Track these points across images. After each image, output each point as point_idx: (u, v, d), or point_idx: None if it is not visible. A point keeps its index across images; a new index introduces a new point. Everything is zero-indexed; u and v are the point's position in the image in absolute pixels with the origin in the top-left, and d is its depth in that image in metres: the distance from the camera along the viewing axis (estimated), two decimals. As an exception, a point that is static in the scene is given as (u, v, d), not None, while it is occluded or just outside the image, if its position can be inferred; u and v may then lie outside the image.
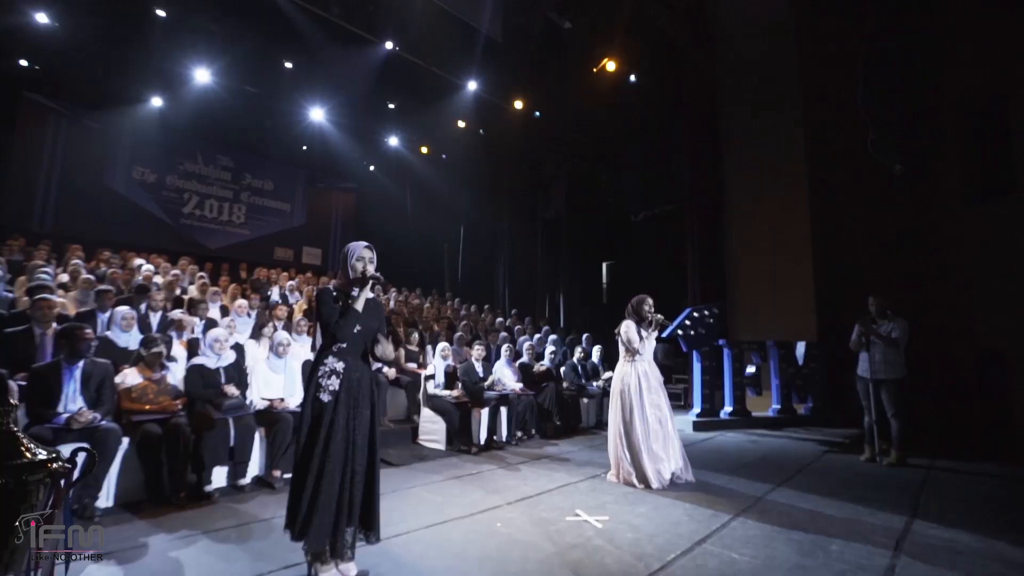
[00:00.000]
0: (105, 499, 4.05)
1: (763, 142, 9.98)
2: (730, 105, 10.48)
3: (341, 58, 12.55)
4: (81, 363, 4.18)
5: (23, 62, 11.92)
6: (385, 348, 3.32)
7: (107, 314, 6.09)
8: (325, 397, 2.99)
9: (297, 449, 2.99)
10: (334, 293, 3.19)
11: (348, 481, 2.95)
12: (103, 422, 4.06)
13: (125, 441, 4.23)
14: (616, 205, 15.05)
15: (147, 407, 4.47)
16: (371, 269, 3.23)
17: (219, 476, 4.67)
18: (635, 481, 5.00)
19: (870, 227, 8.82)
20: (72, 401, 4.05)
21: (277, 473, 4.87)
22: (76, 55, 11.33)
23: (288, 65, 12.75)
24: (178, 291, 8.64)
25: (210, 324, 6.83)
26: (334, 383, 3.02)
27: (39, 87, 12.63)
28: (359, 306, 3.12)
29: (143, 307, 6.91)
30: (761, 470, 5.77)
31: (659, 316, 5.46)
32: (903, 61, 8.32)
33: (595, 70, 12.09)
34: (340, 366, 3.06)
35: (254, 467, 4.95)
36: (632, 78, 12.20)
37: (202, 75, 12.91)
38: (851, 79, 8.49)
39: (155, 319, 6.74)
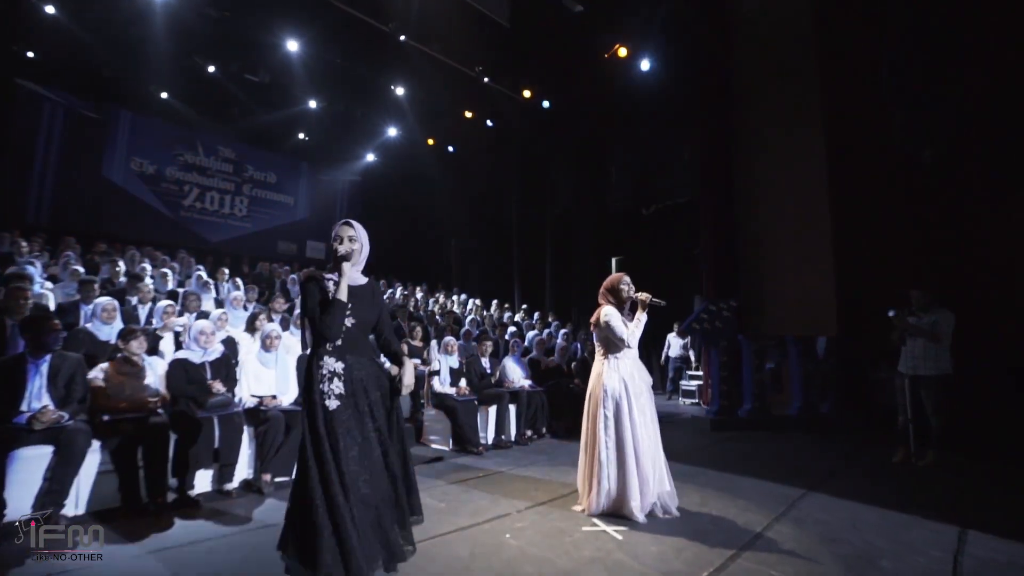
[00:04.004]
0: (74, 507, 3.67)
1: (780, 130, 9.57)
2: (746, 92, 10.06)
3: (345, 46, 12.22)
4: (48, 357, 3.79)
5: (18, 49, 11.59)
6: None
7: (91, 306, 5.74)
8: (332, 404, 2.64)
9: (304, 463, 2.57)
10: (325, 281, 2.79)
11: (388, 485, 2.72)
12: (71, 421, 3.67)
13: (96, 443, 3.83)
14: (626, 198, 14.64)
15: (122, 405, 4.07)
16: (349, 246, 2.80)
17: (203, 480, 4.30)
18: (616, 508, 3.90)
19: (894, 217, 8.34)
20: (37, 398, 3.66)
21: (267, 477, 4.48)
22: (71, 41, 10.98)
23: (292, 51, 12.34)
24: (173, 284, 8.28)
25: (202, 317, 6.48)
26: (338, 386, 2.67)
27: (33, 74, 12.26)
28: (343, 295, 2.71)
29: (134, 300, 6.57)
30: (788, 472, 5.35)
31: (643, 295, 4.30)
32: (930, 41, 7.88)
33: (606, 56, 11.72)
34: (340, 367, 2.70)
35: (242, 470, 4.57)
36: (644, 66, 11.80)
37: (202, 63, 12.60)
38: (874, 62, 8.05)
39: (143, 311, 6.40)
